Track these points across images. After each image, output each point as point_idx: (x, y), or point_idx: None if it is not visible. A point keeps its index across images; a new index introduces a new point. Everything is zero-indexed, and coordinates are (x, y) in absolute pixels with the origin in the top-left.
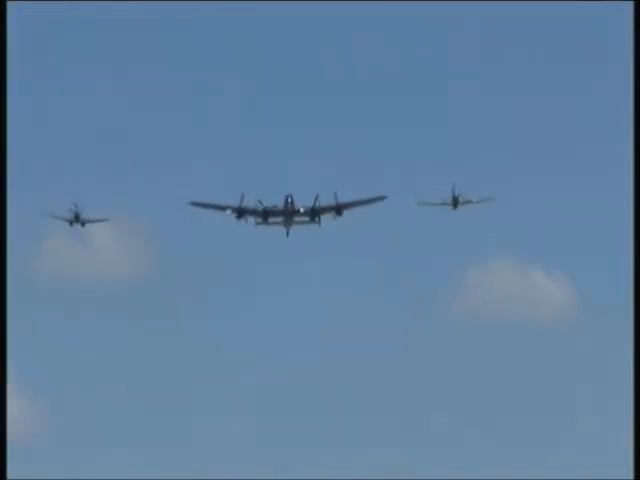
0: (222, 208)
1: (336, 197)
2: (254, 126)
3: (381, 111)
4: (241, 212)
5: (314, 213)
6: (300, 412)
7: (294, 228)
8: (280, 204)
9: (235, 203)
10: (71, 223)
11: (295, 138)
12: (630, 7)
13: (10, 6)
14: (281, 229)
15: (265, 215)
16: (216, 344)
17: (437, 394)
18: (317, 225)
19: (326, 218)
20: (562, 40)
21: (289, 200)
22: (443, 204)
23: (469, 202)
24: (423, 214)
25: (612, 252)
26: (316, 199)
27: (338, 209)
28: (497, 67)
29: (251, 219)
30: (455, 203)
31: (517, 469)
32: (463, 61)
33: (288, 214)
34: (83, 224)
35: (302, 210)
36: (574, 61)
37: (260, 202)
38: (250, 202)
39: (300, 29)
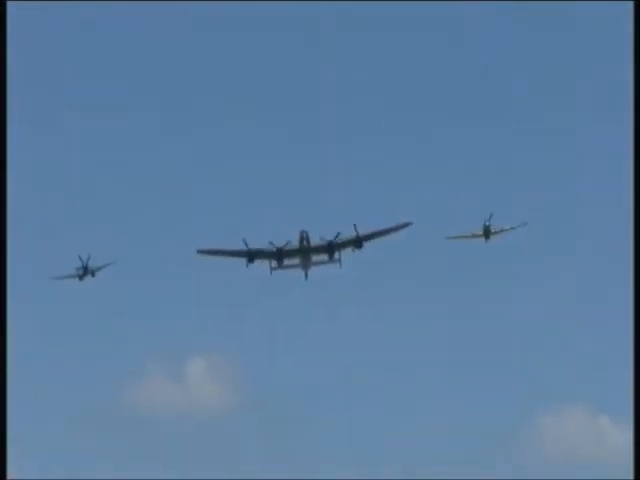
0: (231, 253)
1: (356, 228)
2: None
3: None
4: (252, 255)
5: (332, 248)
6: None
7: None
8: (294, 243)
9: (243, 248)
10: (81, 277)
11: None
12: (630, 7)
13: (10, 6)
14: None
15: (279, 256)
16: None
17: None
18: (337, 264)
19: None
20: (562, 40)
21: (304, 236)
22: (474, 236)
23: (502, 231)
24: None
25: None
26: (337, 235)
27: (358, 241)
28: (496, 67)
29: (264, 264)
30: (487, 234)
31: None
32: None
33: (304, 252)
34: (93, 274)
35: (319, 244)
36: (574, 61)
37: (271, 243)
38: (260, 245)
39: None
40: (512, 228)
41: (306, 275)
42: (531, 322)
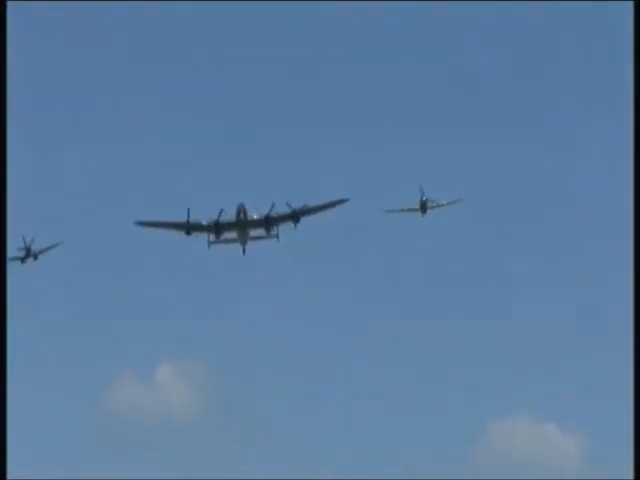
0: (170, 225)
1: (290, 204)
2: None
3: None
4: (190, 228)
5: (268, 222)
6: None
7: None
8: (232, 216)
9: (182, 219)
10: (23, 260)
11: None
12: (630, 7)
13: (10, 6)
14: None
15: (217, 228)
16: None
17: None
18: (275, 239)
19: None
20: (562, 40)
21: (241, 209)
22: (410, 210)
23: (438, 206)
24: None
25: None
26: (272, 207)
27: (295, 216)
28: (496, 67)
29: (202, 237)
30: (424, 208)
31: None
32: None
33: (241, 225)
34: (36, 257)
35: (256, 218)
36: (574, 61)
37: (218, 214)
38: (199, 218)
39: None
40: (449, 203)
41: (244, 250)
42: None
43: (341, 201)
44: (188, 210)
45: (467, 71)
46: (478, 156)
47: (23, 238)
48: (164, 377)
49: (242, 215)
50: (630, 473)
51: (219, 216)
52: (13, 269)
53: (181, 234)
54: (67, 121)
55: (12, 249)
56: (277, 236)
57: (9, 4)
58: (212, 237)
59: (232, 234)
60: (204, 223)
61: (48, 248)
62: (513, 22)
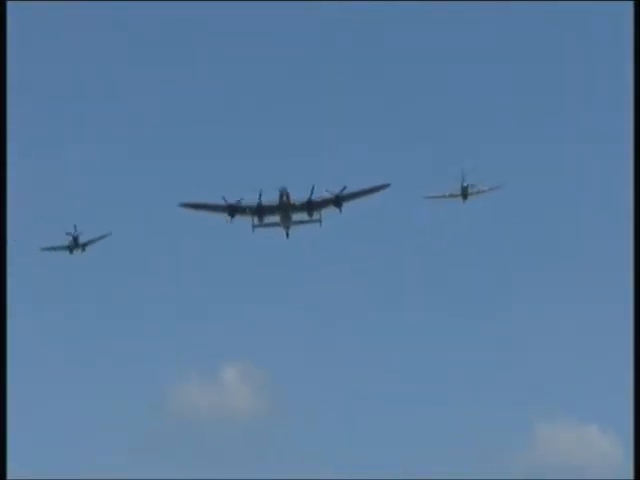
0: (214, 207)
1: (330, 190)
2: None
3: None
4: (233, 210)
5: (311, 206)
6: None
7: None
8: (275, 199)
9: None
10: (71, 250)
11: (288, 136)
12: (630, 7)
13: (10, 6)
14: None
15: (260, 211)
16: None
17: None
18: (318, 224)
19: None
20: (562, 40)
21: (284, 193)
22: (452, 196)
23: (479, 192)
24: None
25: None
26: (312, 190)
27: (337, 201)
28: (496, 67)
29: (247, 221)
30: (465, 194)
31: None
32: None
33: (284, 209)
34: (84, 248)
35: (298, 204)
36: (574, 61)
37: (260, 197)
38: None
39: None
40: (490, 189)
41: (287, 234)
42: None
43: (383, 186)
44: (224, 197)
45: (464, 70)
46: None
47: (75, 227)
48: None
49: (285, 198)
50: (630, 473)
51: (260, 198)
52: (60, 259)
53: (224, 217)
54: (67, 121)
55: (58, 239)
56: (320, 221)
57: (9, 4)
58: (256, 220)
59: (275, 218)
60: (247, 205)
61: (97, 239)
62: (512, 22)
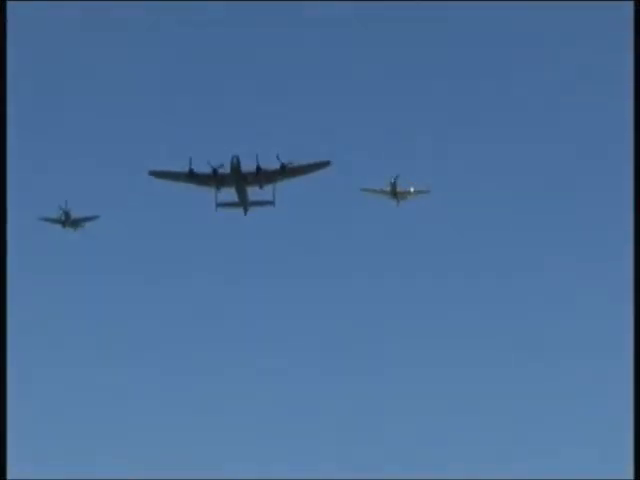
0: (176, 176)
1: (279, 157)
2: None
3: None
4: (192, 177)
5: (260, 175)
6: None
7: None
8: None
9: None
10: (63, 224)
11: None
12: (630, 7)
13: (10, 6)
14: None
15: (216, 180)
16: None
17: None
18: (271, 205)
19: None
20: (562, 40)
21: (236, 161)
22: (382, 191)
23: (408, 193)
24: None
25: None
26: (257, 157)
27: (283, 169)
28: (495, 67)
29: (207, 190)
30: (394, 192)
31: None
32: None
33: (235, 177)
34: (75, 225)
35: (248, 173)
36: (574, 61)
37: (209, 163)
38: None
39: None
40: (417, 192)
41: (245, 211)
42: None
43: (323, 164)
44: (190, 158)
45: (463, 70)
46: (476, 154)
47: (66, 202)
48: None
49: (236, 163)
50: (630, 473)
51: (217, 167)
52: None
53: (188, 187)
54: (67, 121)
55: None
56: (273, 203)
57: (9, 4)
58: (216, 195)
59: (232, 189)
60: (205, 173)
61: (85, 219)
62: (512, 22)
